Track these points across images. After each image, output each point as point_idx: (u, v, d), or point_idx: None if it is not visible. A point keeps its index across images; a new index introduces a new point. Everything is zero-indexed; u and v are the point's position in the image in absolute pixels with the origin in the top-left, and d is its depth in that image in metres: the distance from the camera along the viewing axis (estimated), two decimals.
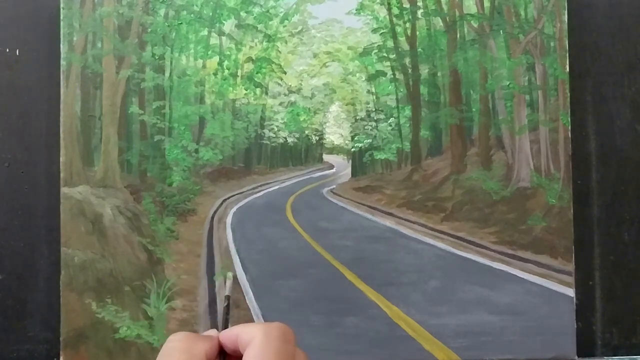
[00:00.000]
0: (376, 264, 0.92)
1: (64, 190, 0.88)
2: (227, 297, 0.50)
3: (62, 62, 0.89)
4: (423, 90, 0.95)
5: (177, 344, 0.42)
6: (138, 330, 0.88)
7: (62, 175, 0.88)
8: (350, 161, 0.98)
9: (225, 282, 0.52)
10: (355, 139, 0.96)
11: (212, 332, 0.46)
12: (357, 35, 0.95)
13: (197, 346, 0.43)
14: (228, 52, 0.94)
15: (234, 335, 0.44)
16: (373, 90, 0.97)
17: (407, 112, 0.96)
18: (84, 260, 0.88)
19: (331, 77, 0.96)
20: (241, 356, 0.42)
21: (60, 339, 0.86)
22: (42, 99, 0.91)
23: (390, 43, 0.95)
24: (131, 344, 0.88)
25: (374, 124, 0.97)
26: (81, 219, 0.89)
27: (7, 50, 0.91)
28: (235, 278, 0.90)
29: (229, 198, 0.95)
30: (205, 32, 0.94)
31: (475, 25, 0.95)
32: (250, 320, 0.89)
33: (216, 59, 0.94)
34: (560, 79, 0.94)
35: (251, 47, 0.95)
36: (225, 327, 0.47)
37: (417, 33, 0.96)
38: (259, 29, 0.94)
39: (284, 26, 0.95)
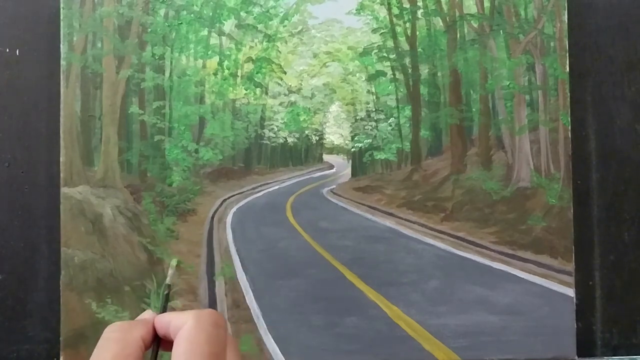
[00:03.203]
0: (376, 264, 0.91)
1: (64, 190, 0.88)
2: (167, 286, 0.50)
3: (62, 62, 0.89)
4: (423, 90, 0.95)
5: (111, 335, 0.43)
6: None
7: (62, 175, 0.88)
8: (350, 161, 0.98)
9: (169, 270, 0.51)
10: (355, 139, 0.96)
11: (148, 315, 0.46)
12: (357, 35, 0.95)
13: (132, 334, 0.43)
14: (228, 52, 0.94)
15: (166, 321, 0.44)
16: (373, 90, 0.97)
17: (407, 112, 0.96)
18: (84, 260, 0.88)
19: (331, 77, 0.96)
20: (173, 342, 0.43)
21: (60, 339, 0.86)
22: (42, 99, 0.91)
23: (390, 43, 0.95)
24: None
25: (374, 124, 0.97)
26: (81, 219, 0.89)
27: (7, 50, 0.91)
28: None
29: (229, 198, 0.95)
30: (205, 32, 0.94)
31: (475, 25, 0.95)
32: (250, 320, 0.89)
33: (216, 59, 0.94)
34: (560, 79, 0.94)
35: (251, 47, 0.95)
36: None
37: (417, 33, 0.96)
38: (259, 29, 0.94)
39: (284, 26, 0.95)
